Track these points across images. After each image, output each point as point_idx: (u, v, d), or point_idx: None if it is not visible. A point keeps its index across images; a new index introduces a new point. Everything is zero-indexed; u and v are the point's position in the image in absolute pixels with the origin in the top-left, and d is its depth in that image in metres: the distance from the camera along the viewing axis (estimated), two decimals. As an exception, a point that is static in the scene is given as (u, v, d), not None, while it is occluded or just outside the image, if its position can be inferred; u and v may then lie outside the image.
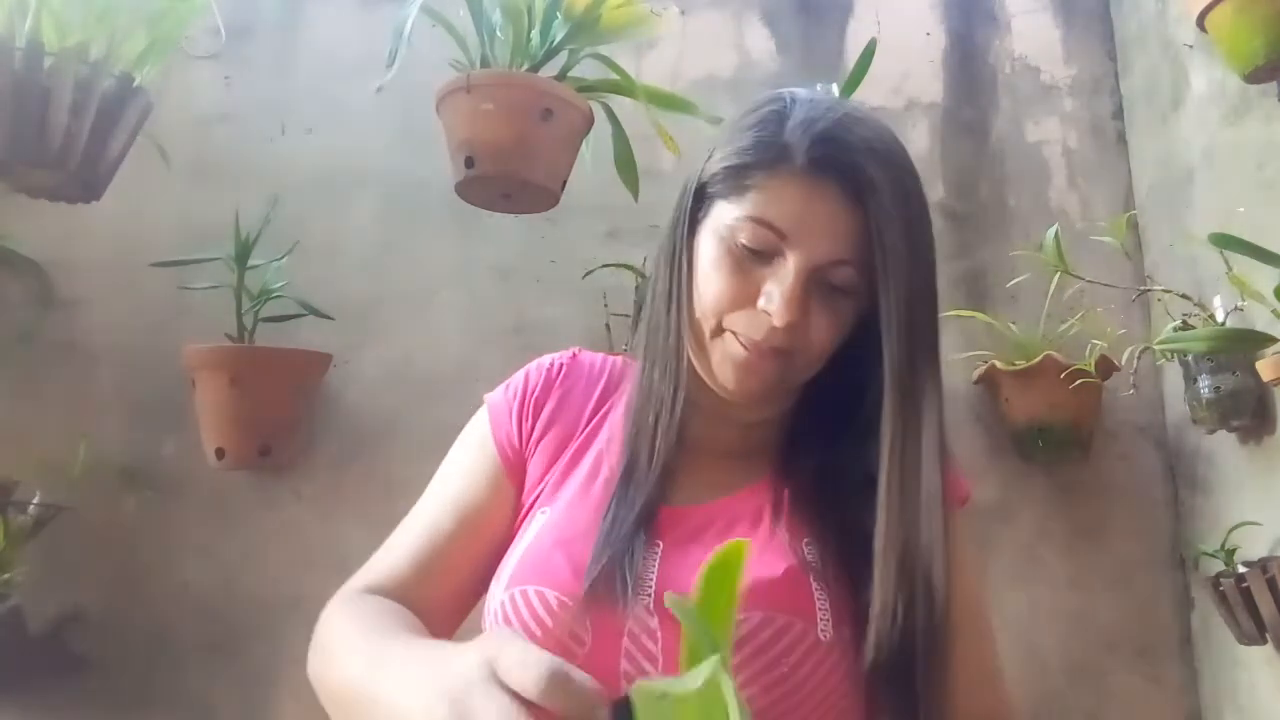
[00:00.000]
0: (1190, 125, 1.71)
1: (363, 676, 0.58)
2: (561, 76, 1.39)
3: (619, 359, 0.88)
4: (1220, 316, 1.50)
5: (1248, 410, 1.49)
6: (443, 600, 0.77)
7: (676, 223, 0.76)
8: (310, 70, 1.84)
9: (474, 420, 0.86)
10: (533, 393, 0.83)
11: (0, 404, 1.62)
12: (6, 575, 1.41)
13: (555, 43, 1.36)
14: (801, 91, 0.74)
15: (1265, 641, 1.41)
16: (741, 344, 0.70)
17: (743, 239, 0.69)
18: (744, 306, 0.70)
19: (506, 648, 0.46)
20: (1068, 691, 1.67)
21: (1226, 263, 1.39)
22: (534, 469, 0.80)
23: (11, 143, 1.19)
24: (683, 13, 1.93)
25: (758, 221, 0.68)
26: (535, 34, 1.35)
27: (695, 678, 0.32)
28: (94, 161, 1.29)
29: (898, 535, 0.68)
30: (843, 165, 0.67)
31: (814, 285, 0.69)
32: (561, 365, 0.86)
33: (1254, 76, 1.42)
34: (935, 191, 1.88)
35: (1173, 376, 1.72)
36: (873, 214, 0.66)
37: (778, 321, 0.68)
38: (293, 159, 1.79)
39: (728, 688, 0.31)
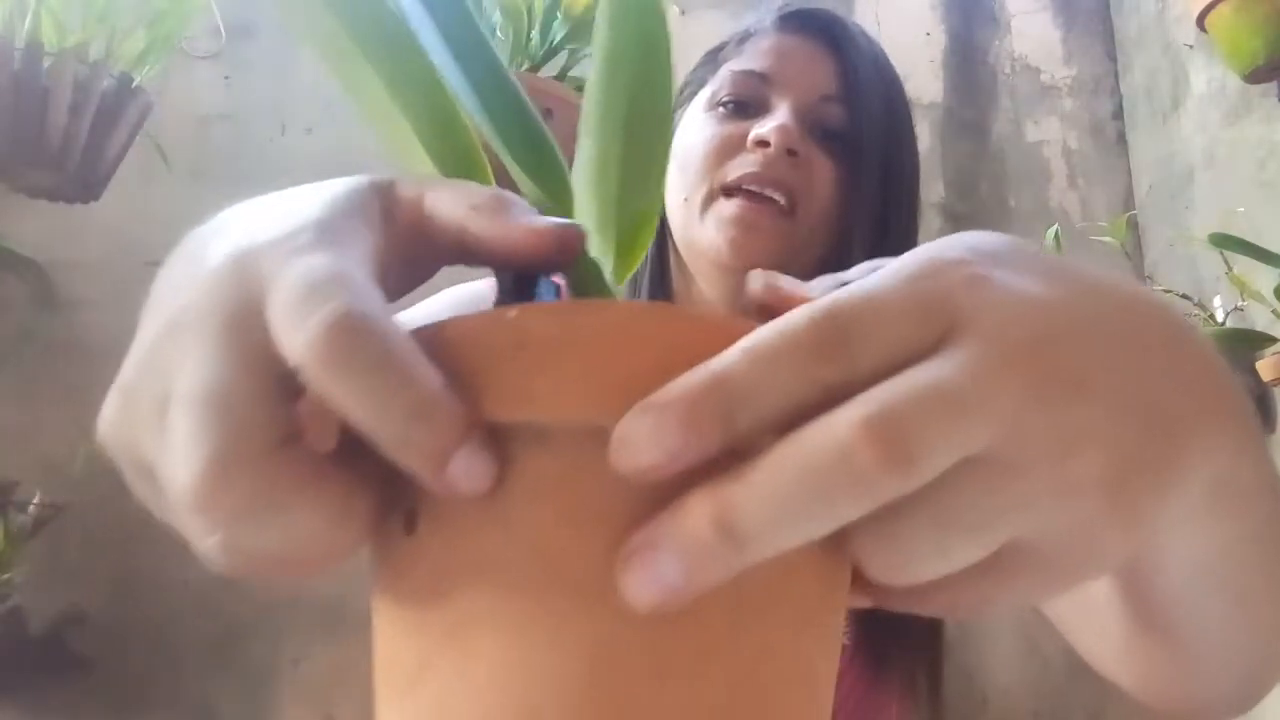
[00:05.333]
0: (1190, 125, 1.71)
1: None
2: (561, 76, 1.39)
3: None
4: (1220, 316, 1.50)
5: (1248, 410, 1.49)
6: None
7: None
8: (310, 70, 1.84)
9: None
10: None
11: (0, 404, 1.62)
12: (6, 575, 1.41)
13: (555, 42, 1.36)
14: None
15: (1265, 641, 1.41)
16: (738, 190, 0.60)
17: (725, 94, 0.63)
18: (735, 153, 0.60)
19: (346, 245, 0.22)
20: (1069, 689, 1.67)
21: (1226, 263, 1.39)
22: None
23: (11, 143, 1.20)
24: (683, 13, 1.92)
25: (739, 73, 0.64)
26: (535, 34, 1.35)
27: None
28: (93, 161, 1.29)
29: None
30: (812, 20, 0.66)
31: (807, 127, 0.62)
32: None
33: (1254, 76, 1.42)
34: (935, 191, 1.88)
35: (1173, 376, 1.72)
36: (848, 55, 0.64)
37: (774, 138, 0.58)
38: (293, 159, 1.79)
39: None
